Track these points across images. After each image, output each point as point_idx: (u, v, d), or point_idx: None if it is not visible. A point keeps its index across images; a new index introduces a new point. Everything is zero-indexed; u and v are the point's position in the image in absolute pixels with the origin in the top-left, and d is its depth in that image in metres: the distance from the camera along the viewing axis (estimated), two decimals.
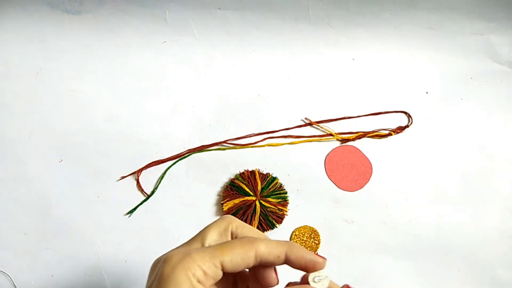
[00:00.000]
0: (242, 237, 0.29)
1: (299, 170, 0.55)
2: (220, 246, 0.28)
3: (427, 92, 0.57)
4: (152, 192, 0.54)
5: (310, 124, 0.56)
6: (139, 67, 0.57)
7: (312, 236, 0.51)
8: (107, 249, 0.52)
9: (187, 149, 0.55)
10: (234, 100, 0.57)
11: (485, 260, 0.52)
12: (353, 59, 0.58)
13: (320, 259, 0.29)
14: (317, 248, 0.49)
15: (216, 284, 0.30)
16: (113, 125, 0.55)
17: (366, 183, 0.54)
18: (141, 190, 0.53)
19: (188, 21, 0.58)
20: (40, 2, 0.57)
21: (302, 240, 0.51)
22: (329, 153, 0.55)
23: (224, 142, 0.55)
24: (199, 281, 0.26)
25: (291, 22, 0.58)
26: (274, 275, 0.30)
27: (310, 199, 0.54)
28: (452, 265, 0.52)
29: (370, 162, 0.55)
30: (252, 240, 0.28)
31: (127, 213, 0.53)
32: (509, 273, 0.52)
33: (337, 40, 0.58)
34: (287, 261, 0.28)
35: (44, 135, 0.55)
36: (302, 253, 0.28)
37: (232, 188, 0.53)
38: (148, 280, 0.28)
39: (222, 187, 0.54)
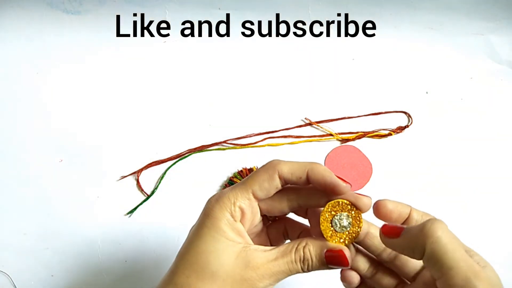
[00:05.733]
0: (266, 163, 0.29)
1: None
2: (247, 178, 0.29)
3: (427, 92, 0.57)
4: (152, 192, 0.54)
5: (310, 124, 0.56)
6: (139, 67, 0.57)
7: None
8: (107, 249, 0.52)
9: (187, 149, 0.55)
10: (234, 100, 0.57)
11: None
12: (353, 59, 0.58)
13: (343, 183, 0.28)
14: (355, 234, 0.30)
15: (269, 233, 0.33)
16: (113, 125, 0.55)
17: (366, 183, 0.54)
18: (141, 190, 0.53)
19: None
20: (40, 2, 0.57)
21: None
22: (329, 153, 0.55)
23: (224, 142, 0.55)
24: (234, 217, 0.28)
25: (291, 22, 0.58)
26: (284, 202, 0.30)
27: None
28: None
29: (370, 162, 0.55)
30: (275, 163, 0.29)
31: (127, 213, 0.53)
32: (509, 273, 0.52)
33: (337, 40, 0.58)
34: (310, 181, 0.28)
35: (44, 135, 0.55)
36: (323, 173, 0.28)
37: None
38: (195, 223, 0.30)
39: (222, 187, 0.54)
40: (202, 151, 0.55)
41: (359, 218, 0.28)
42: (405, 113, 0.57)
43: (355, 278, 0.29)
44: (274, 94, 0.57)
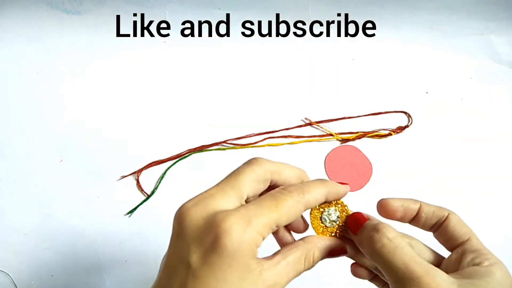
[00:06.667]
0: (291, 189, 0.26)
1: None
2: (275, 207, 0.24)
3: (427, 92, 0.57)
4: (152, 192, 0.54)
5: (310, 124, 0.56)
6: (139, 67, 0.57)
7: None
8: (107, 249, 0.52)
9: (187, 149, 0.55)
10: (234, 100, 0.57)
11: None
12: (353, 59, 0.58)
13: (342, 186, 0.29)
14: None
15: None
16: (113, 125, 0.55)
17: (366, 183, 0.54)
18: (141, 190, 0.53)
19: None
20: (40, 2, 0.57)
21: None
22: (329, 153, 0.55)
23: (224, 142, 0.55)
24: (258, 247, 0.24)
25: (291, 22, 0.58)
26: (301, 220, 0.30)
27: None
28: None
29: (370, 162, 0.55)
30: (301, 192, 0.26)
31: (127, 213, 0.53)
32: (510, 273, 0.52)
33: (337, 40, 0.58)
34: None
35: (44, 135, 0.55)
36: (336, 189, 0.29)
37: None
38: (189, 243, 0.23)
39: None
40: (202, 151, 0.55)
41: (346, 209, 0.30)
42: (405, 113, 0.57)
43: (363, 273, 0.30)
44: (274, 94, 0.57)
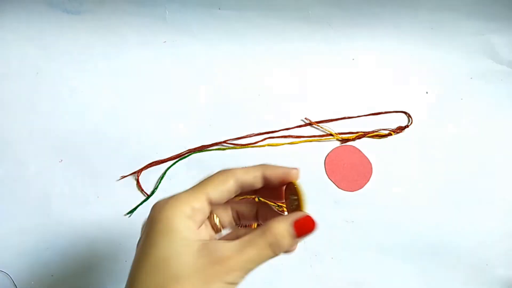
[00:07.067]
0: (220, 170, 0.30)
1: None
2: (202, 182, 0.29)
3: (427, 92, 0.57)
4: (152, 192, 0.54)
5: (310, 124, 0.56)
6: (139, 67, 0.57)
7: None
8: (107, 249, 0.52)
9: (187, 149, 0.55)
10: (234, 100, 0.57)
11: (485, 260, 0.52)
12: (353, 59, 0.58)
13: (293, 169, 0.30)
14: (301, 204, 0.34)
15: (241, 216, 0.33)
16: (113, 125, 0.55)
17: (366, 183, 0.54)
18: (141, 190, 0.53)
19: (188, 21, 0.58)
20: (40, 2, 0.57)
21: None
22: (329, 153, 0.55)
23: (224, 142, 0.55)
24: (188, 217, 0.27)
25: (291, 22, 0.58)
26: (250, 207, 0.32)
27: (310, 199, 0.54)
28: (452, 265, 0.52)
29: (370, 162, 0.55)
30: (230, 170, 0.30)
31: (127, 213, 0.53)
32: (509, 273, 0.52)
33: (337, 40, 0.58)
34: (265, 179, 0.30)
35: (44, 135, 0.55)
36: (275, 169, 0.30)
37: None
38: (140, 237, 0.29)
39: None
40: (202, 151, 0.55)
41: (300, 188, 0.31)
42: (405, 113, 0.57)
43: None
44: (274, 94, 0.57)
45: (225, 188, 0.29)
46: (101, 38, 0.58)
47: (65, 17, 0.57)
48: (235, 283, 0.26)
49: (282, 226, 0.27)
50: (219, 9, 0.58)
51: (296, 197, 0.30)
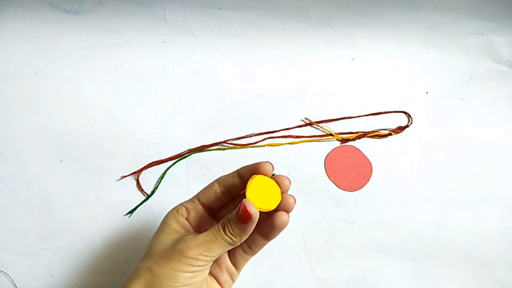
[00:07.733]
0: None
1: (299, 170, 0.55)
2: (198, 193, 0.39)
3: (427, 92, 0.57)
4: (152, 192, 0.54)
5: (310, 124, 0.56)
6: (139, 67, 0.57)
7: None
8: (107, 249, 0.52)
9: (187, 149, 0.55)
10: (234, 100, 0.57)
11: (485, 260, 0.52)
12: (353, 59, 0.58)
13: (263, 163, 0.36)
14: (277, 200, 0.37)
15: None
16: (113, 125, 0.55)
17: (366, 183, 0.54)
18: (141, 190, 0.53)
19: (188, 21, 0.58)
20: (40, 2, 0.57)
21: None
22: (329, 153, 0.55)
23: (224, 142, 0.55)
24: (181, 214, 0.38)
25: (291, 22, 0.58)
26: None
27: (310, 199, 0.54)
28: (452, 265, 0.52)
29: (370, 162, 0.55)
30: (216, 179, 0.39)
31: (127, 213, 0.53)
32: (509, 273, 0.52)
33: (337, 40, 0.58)
34: (239, 175, 0.37)
35: (44, 135, 0.55)
36: (248, 165, 0.37)
37: None
38: None
39: None
40: (202, 151, 0.55)
41: (256, 179, 0.35)
42: (405, 113, 0.57)
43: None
44: (274, 94, 0.57)
45: (211, 190, 0.38)
46: (101, 38, 0.58)
47: (65, 17, 0.57)
48: (193, 265, 0.33)
49: (231, 216, 0.34)
50: (219, 9, 0.58)
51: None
